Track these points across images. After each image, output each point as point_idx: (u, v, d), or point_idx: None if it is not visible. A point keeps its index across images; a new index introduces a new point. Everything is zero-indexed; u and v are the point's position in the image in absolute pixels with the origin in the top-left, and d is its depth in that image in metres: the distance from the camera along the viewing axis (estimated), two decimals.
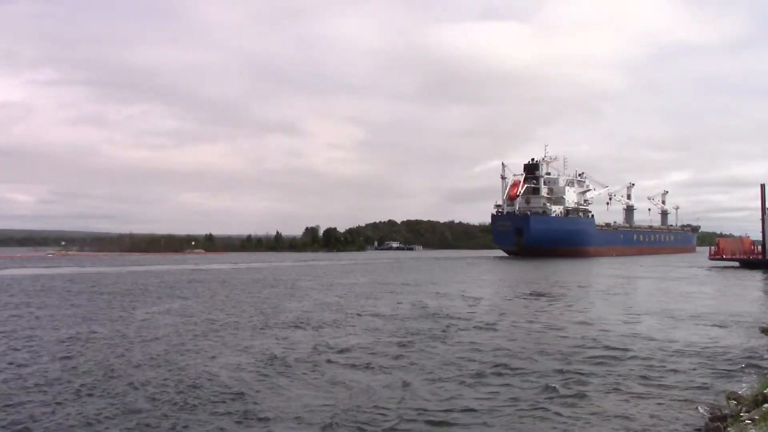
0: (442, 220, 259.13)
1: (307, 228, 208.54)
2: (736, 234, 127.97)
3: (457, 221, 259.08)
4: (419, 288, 44.81)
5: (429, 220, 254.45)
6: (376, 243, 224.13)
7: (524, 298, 36.56)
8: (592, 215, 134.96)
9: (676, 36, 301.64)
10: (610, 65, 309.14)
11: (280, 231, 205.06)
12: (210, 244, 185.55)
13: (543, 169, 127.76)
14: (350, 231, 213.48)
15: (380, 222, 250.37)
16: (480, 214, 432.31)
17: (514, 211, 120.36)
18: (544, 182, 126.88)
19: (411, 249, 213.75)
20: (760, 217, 72.79)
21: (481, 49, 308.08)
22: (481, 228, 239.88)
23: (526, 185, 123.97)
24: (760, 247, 74.85)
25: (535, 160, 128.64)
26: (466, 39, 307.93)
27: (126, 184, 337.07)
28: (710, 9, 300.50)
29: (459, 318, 27.24)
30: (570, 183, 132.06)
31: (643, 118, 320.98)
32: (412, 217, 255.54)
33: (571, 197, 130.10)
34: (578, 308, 30.76)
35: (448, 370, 16.48)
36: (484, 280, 55.47)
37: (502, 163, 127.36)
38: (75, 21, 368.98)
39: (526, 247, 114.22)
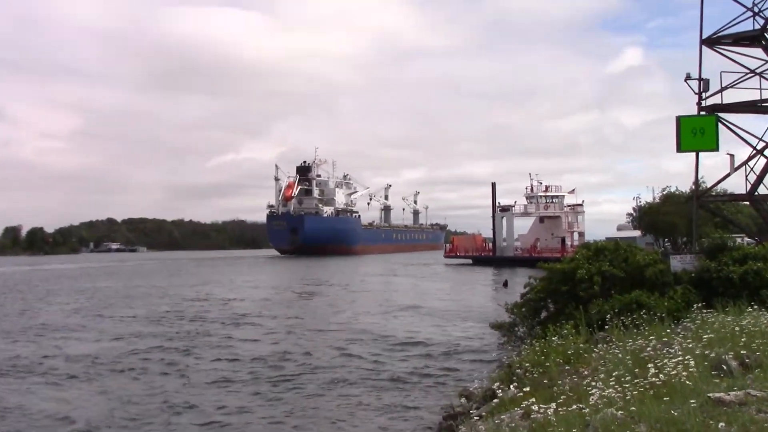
0: (170, 218, 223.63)
1: (6, 228, 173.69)
2: (470, 231, 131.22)
3: (187, 219, 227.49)
4: (186, 291, 41.83)
5: (155, 219, 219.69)
6: (92, 244, 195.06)
7: (296, 298, 36.60)
8: (359, 215, 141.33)
9: (410, 39, 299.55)
10: (347, 63, 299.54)
11: None
12: None
13: (314, 171, 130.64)
14: (61, 231, 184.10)
15: (97, 221, 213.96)
16: (214, 212, 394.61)
17: (289, 212, 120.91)
18: (316, 184, 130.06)
19: (134, 251, 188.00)
20: (491, 215, 74.08)
21: (220, 38, 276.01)
22: (215, 227, 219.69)
23: (299, 187, 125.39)
24: (491, 245, 76.40)
25: (307, 162, 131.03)
26: (203, 26, 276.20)
27: None
28: (441, 17, 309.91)
29: (225, 320, 26.28)
30: (339, 185, 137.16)
31: (379, 117, 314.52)
32: (135, 215, 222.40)
33: (340, 198, 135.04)
34: (341, 307, 31.28)
35: (209, 374, 15.93)
36: (259, 280, 53.72)
37: (276, 165, 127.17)
38: None
39: (300, 246, 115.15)
